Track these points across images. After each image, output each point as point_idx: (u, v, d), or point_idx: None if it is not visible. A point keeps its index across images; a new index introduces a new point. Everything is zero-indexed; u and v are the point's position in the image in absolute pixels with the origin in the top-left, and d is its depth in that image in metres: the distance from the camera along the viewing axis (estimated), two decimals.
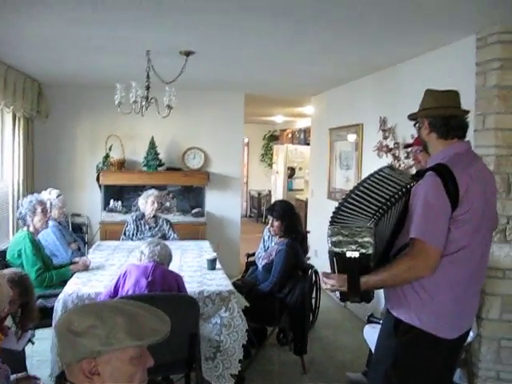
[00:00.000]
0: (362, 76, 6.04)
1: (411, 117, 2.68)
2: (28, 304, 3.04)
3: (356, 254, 2.28)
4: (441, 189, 2.26)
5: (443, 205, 2.26)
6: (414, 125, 2.68)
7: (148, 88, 4.87)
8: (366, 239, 2.25)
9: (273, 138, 14.56)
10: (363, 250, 2.26)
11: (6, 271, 3.17)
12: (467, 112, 2.55)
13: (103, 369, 1.41)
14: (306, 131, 11.59)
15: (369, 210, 2.34)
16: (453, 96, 2.55)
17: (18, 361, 3.19)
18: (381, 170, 2.62)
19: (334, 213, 2.42)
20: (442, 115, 2.47)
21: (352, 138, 6.31)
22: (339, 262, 2.36)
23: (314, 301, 5.78)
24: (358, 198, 2.42)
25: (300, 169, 12.14)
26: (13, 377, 2.40)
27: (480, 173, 2.45)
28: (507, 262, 3.75)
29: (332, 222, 2.36)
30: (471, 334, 3.55)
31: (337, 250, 2.32)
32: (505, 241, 3.74)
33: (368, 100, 5.97)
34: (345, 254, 2.30)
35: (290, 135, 13.41)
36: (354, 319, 5.90)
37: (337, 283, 2.39)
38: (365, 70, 5.70)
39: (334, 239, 2.32)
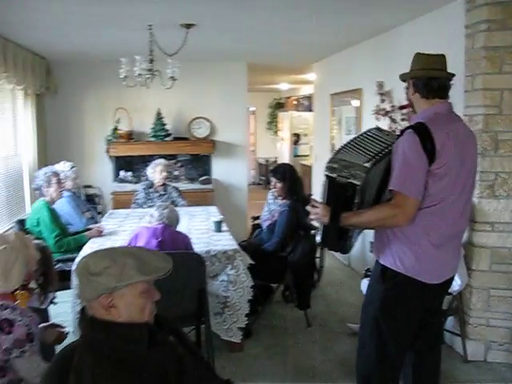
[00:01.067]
0: (360, 42, 6.20)
1: (401, 78, 2.89)
2: (49, 272, 3.29)
3: (345, 181, 2.51)
4: (418, 145, 2.47)
5: (420, 159, 2.47)
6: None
7: (151, 61, 5.08)
8: (359, 172, 2.49)
9: (278, 106, 14.69)
10: (353, 180, 2.49)
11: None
12: (450, 74, 2.74)
13: (118, 302, 1.68)
14: (310, 98, 11.72)
15: (366, 154, 2.59)
16: (438, 59, 2.74)
17: (43, 318, 3.47)
18: (369, 130, 2.87)
19: (333, 154, 2.68)
20: (425, 76, 2.67)
21: (353, 102, 6.49)
22: (330, 187, 2.62)
23: (318, 261, 6.05)
24: (353, 146, 2.67)
25: (305, 135, 12.31)
26: (40, 326, 2.68)
27: (458, 131, 2.64)
28: (495, 215, 3.95)
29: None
30: (459, 282, 3.81)
31: (330, 174, 2.58)
32: (493, 196, 3.95)
33: (366, 65, 6.14)
34: (335, 178, 2.55)
35: (294, 102, 13.54)
36: (356, 277, 6.14)
37: (321, 212, 2.63)
38: (362, 35, 5.85)
39: (330, 165, 2.60)
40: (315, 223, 2.78)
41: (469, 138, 2.73)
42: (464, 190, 2.65)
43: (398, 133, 2.83)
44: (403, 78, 2.83)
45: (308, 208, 2.74)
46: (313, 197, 2.83)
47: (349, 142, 2.76)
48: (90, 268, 1.68)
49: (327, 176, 2.61)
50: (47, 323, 2.86)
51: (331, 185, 2.62)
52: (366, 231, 3.10)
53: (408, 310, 2.72)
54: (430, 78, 2.67)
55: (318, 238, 2.81)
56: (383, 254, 2.71)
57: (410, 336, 2.80)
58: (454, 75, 2.75)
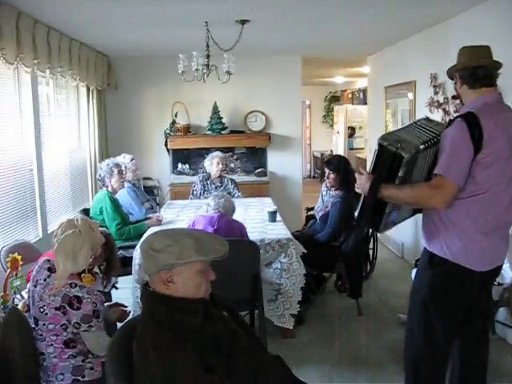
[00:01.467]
0: (413, 34, 6.20)
1: (448, 74, 2.94)
2: (111, 259, 3.49)
3: (394, 150, 2.60)
4: (466, 133, 2.53)
5: (467, 147, 2.54)
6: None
7: (208, 56, 5.24)
8: (409, 148, 2.58)
9: (334, 99, 14.67)
10: (401, 151, 2.57)
11: None
12: (497, 62, 2.76)
13: (177, 278, 1.84)
14: (365, 91, 11.68)
15: (418, 138, 2.67)
16: (482, 49, 2.78)
17: (106, 300, 3.71)
18: (419, 120, 2.96)
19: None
20: (470, 66, 2.72)
21: (408, 95, 6.49)
22: (378, 155, 2.71)
23: (371, 252, 6.11)
24: (406, 132, 2.76)
25: (360, 128, 12.27)
26: (105, 304, 2.89)
27: (507, 121, 2.68)
28: None
29: None
30: (511, 274, 3.81)
31: (381, 141, 2.68)
32: None
33: (419, 57, 6.13)
34: (386, 146, 2.64)
35: (350, 95, 13.51)
36: (409, 269, 6.11)
37: (364, 178, 2.74)
38: (415, 28, 5.86)
39: (384, 136, 2.72)
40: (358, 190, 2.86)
41: None
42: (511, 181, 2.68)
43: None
44: (449, 72, 2.88)
45: (356, 175, 2.84)
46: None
47: (400, 128, 2.85)
48: (154, 245, 1.85)
49: (379, 144, 2.71)
50: (111, 302, 3.08)
51: (380, 153, 2.70)
52: (419, 222, 3.15)
53: (455, 296, 2.78)
54: (475, 67, 2.71)
55: (356, 212, 2.89)
56: (431, 241, 2.78)
57: (457, 323, 2.86)
58: (500, 63, 2.77)
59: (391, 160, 2.64)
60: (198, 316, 1.85)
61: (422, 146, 2.61)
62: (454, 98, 4.66)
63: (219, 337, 1.84)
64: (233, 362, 1.83)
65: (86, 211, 5.11)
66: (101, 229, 3.81)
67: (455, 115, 4.98)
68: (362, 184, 2.78)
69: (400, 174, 2.63)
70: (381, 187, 2.67)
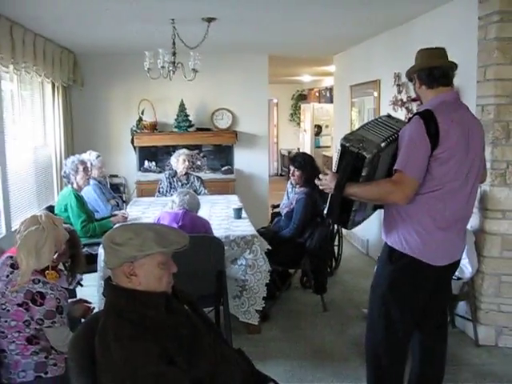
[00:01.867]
0: (378, 34, 6.31)
1: (407, 76, 3.02)
2: (76, 255, 3.49)
3: (356, 150, 2.67)
4: (422, 129, 2.61)
5: (423, 143, 2.61)
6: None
7: (174, 54, 5.25)
8: (371, 147, 2.65)
9: (301, 98, 14.77)
10: (363, 152, 2.65)
11: None
12: (452, 63, 2.86)
13: (139, 271, 1.86)
14: (332, 89, 11.80)
15: (380, 135, 2.74)
16: (437, 51, 2.89)
17: (71, 297, 3.70)
18: (380, 117, 3.04)
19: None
20: (427, 67, 2.82)
21: (372, 94, 6.59)
22: (342, 156, 2.77)
23: (336, 248, 6.20)
24: (368, 129, 2.83)
25: (326, 126, 12.39)
26: (69, 301, 2.88)
27: (464, 119, 2.76)
28: (507, 203, 4.05)
29: None
30: (469, 269, 3.93)
31: (344, 142, 2.75)
32: (505, 184, 4.04)
33: (384, 57, 6.24)
34: (348, 147, 2.71)
35: (317, 94, 13.62)
36: (373, 265, 6.20)
37: (329, 178, 2.80)
38: (379, 27, 5.96)
39: (346, 136, 2.79)
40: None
41: (475, 126, 2.83)
42: (469, 177, 2.75)
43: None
44: (408, 75, 2.96)
45: (320, 176, 2.90)
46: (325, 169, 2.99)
47: (362, 126, 2.92)
48: (115, 239, 1.86)
49: (341, 145, 2.77)
50: (75, 299, 3.08)
51: (343, 154, 2.77)
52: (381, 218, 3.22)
53: (415, 290, 2.85)
54: (431, 67, 2.80)
55: (325, 211, 2.95)
56: (390, 236, 2.85)
57: (416, 316, 2.93)
58: (455, 64, 2.86)
59: (354, 161, 2.70)
60: (159, 309, 1.87)
61: (383, 144, 2.67)
62: (413, 100, 4.80)
63: (180, 330, 1.87)
64: (194, 355, 1.85)
65: (51, 208, 5.06)
66: (65, 225, 3.79)
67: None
68: (327, 184, 2.84)
69: (363, 173, 2.69)
70: (345, 186, 2.73)
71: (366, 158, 2.64)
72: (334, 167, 2.90)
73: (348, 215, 2.87)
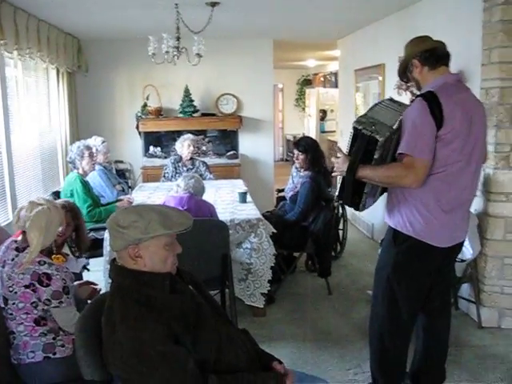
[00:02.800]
0: (382, 17, 6.28)
1: (401, 70, 3.01)
2: (79, 226, 3.56)
3: (368, 133, 2.69)
4: (426, 111, 2.62)
5: (428, 124, 2.62)
6: (406, 82, 3.04)
7: (178, 39, 5.24)
8: (384, 130, 2.67)
9: (306, 83, 14.73)
10: (375, 135, 2.67)
11: (58, 201, 3.72)
12: (443, 43, 2.88)
13: (144, 253, 1.89)
14: (337, 74, 11.76)
15: (390, 118, 2.76)
16: (425, 37, 2.92)
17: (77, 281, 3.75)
18: (383, 100, 3.05)
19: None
20: (427, 48, 2.83)
21: (376, 78, 6.57)
22: (354, 138, 2.80)
23: (341, 232, 6.23)
24: (377, 112, 2.84)
25: (331, 111, 12.36)
26: (76, 283, 2.93)
27: (466, 100, 2.77)
28: (510, 186, 4.05)
29: None
30: (470, 251, 3.94)
31: (356, 125, 2.78)
32: (508, 167, 4.04)
33: (388, 40, 6.21)
34: (360, 130, 2.74)
35: (322, 79, 13.58)
36: (378, 249, 6.29)
37: (341, 160, 2.83)
38: (384, 11, 5.93)
39: (359, 119, 2.81)
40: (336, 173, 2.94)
41: (477, 107, 2.84)
42: (472, 158, 2.76)
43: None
44: (405, 64, 2.94)
45: (332, 159, 2.92)
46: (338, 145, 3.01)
47: (370, 109, 2.93)
48: (120, 221, 1.89)
49: (354, 128, 2.79)
50: (82, 281, 3.12)
51: (356, 137, 2.79)
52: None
53: (419, 272, 2.88)
54: (434, 47, 2.83)
55: (337, 193, 2.97)
56: (394, 218, 2.87)
57: (420, 298, 2.96)
58: (444, 43, 2.89)
59: (366, 143, 2.72)
60: (164, 289, 1.90)
61: (395, 126, 2.69)
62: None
63: (185, 310, 1.90)
64: (199, 335, 1.88)
65: (57, 194, 5.10)
66: (64, 199, 3.88)
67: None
68: (339, 166, 2.85)
69: (376, 156, 2.71)
70: (358, 169, 2.74)
71: (379, 141, 2.66)
72: (345, 150, 2.91)
73: (360, 197, 2.88)
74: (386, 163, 2.79)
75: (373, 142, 2.69)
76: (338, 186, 2.94)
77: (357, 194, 2.86)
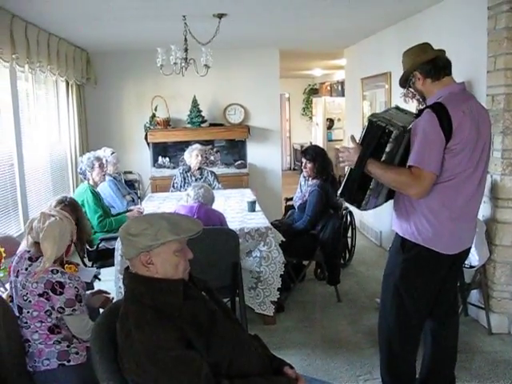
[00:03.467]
0: (387, 26, 6.34)
1: (402, 81, 3.03)
2: (80, 218, 3.62)
3: (384, 125, 2.72)
4: (436, 123, 2.64)
5: (438, 137, 2.64)
6: (407, 88, 3.05)
7: (186, 50, 5.32)
8: (398, 124, 2.70)
9: (313, 92, 14.78)
10: (390, 127, 2.70)
11: (56, 198, 3.80)
12: (443, 51, 2.91)
13: (156, 260, 1.94)
14: (343, 83, 11.81)
15: (404, 121, 2.79)
16: (427, 45, 2.94)
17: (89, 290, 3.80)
18: (390, 108, 3.07)
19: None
20: (429, 59, 2.84)
21: (383, 86, 6.61)
22: (368, 130, 2.81)
23: (350, 240, 6.25)
24: (390, 115, 2.87)
25: (339, 120, 12.40)
26: (88, 292, 2.98)
27: (472, 109, 2.79)
28: None
29: None
30: (477, 258, 3.95)
31: (372, 118, 2.81)
32: None
33: (394, 49, 6.24)
34: (375, 122, 2.76)
35: (328, 88, 13.62)
36: (387, 256, 6.30)
37: (352, 150, 2.83)
38: (389, 20, 5.98)
39: (374, 114, 2.87)
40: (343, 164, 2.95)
41: (482, 115, 2.85)
42: (479, 164, 2.78)
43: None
44: (405, 76, 2.97)
45: (340, 148, 2.94)
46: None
47: (383, 112, 2.97)
48: (131, 230, 1.95)
49: (369, 120, 2.82)
50: (94, 290, 3.17)
51: (369, 129, 2.81)
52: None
53: (426, 279, 2.89)
54: (434, 58, 2.84)
55: (340, 189, 2.98)
56: (401, 226, 2.89)
57: (428, 304, 2.98)
58: (444, 51, 2.91)
59: (380, 135, 2.74)
60: (177, 295, 1.94)
61: (409, 127, 2.73)
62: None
63: (199, 316, 1.93)
64: (212, 340, 1.91)
65: None
66: (60, 195, 3.95)
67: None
68: (349, 156, 2.85)
69: (387, 149, 2.72)
70: (368, 161, 2.76)
71: (393, 132, 2.68)
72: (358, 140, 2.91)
73: (364, 193, 2.89)
74: (394, 162, 2.79)
75: (387, 134, 2.71)
76: (343, 182, 2.95)
77: (361, 189, 2.88)
